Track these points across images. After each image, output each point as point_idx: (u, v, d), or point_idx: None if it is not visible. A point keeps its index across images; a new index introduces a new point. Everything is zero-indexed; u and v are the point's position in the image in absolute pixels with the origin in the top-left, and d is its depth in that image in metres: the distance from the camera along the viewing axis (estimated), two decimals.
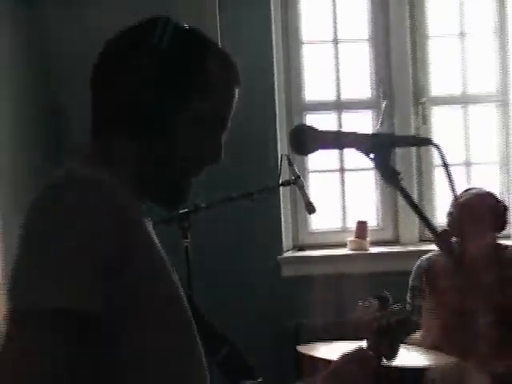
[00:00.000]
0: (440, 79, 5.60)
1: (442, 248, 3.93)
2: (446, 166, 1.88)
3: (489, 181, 5.28)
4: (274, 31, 5.34)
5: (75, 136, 3.94)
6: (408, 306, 4.35)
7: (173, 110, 1.82)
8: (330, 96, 5.61)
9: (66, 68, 4.51)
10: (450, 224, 4.34)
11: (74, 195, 1.65)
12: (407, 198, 1.85)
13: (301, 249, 5.50)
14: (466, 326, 4.16)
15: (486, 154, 5.62)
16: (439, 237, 1.94)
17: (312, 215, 4.33)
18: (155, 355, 1.73)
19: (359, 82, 5.61)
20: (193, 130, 1.85)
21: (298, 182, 4.11)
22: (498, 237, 4.40)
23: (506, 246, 4.54)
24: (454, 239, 4.23)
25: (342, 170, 5.60)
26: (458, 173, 5.48)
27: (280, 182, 4.28)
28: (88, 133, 1.92)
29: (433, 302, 4.29)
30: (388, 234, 5.55)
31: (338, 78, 5.59)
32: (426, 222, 1.88)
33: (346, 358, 2.09)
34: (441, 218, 4.53)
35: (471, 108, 5.63)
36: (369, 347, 2.11)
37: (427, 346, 4.08)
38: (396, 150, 2.03)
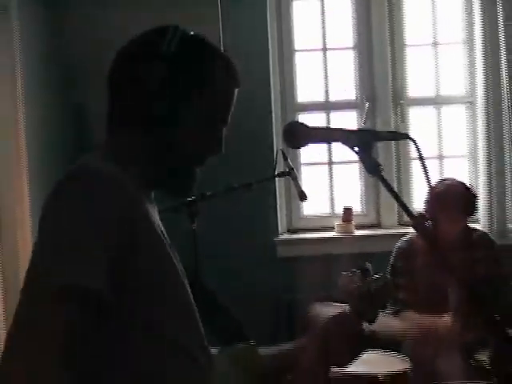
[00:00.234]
0: (416, 83, 5.59)
1: (419, 230, 3.94)
2: (421, 158, 1.89)
3: (459, 172, 5.27)
4: (270, 41, 5.33)
5: (99, 136, 3.92)
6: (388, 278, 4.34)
7: (180, 109, 1.83)
8: (320, 97, 5.60)
9: (91, 69, 4.48)
10: (426, 209, 4.34)
11: (86, 185, 1.65)
12: (387, 186, 1.85)
13: (294, 232, 5.51)
14: (440, 299, 4.15)
15: (456, 148, 5.62)
16: (416, 220, 1.93)
17: (304, 202, 4.33)
18: (158, 330, 1.73)
19: (345, 85, 5.58)
20: (197, 126, 1.87)
21: (291, 174, 4.11)
22: (468, 221, 4.40)
23: (475, 229, 4.55)
24: (429, 223, 4.23)
25: (330, 162, 5.60)
26: (431, 165, 5.49)
27: (276, 173, 4.29)
28: (104, 130, 1.92)
29: (412, 279, 4.28)
30: (371, 219, 5.55)
31: (326, 82, 5.59)
32: (404, 207, 1.87)
33: (332, 320, 2.10)
34: (417, 204, 4.51)
35: (443, 108, 5.63)
36: (351, 311, 2.11)
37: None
38: (377, 144, 2.02)
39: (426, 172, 1.90)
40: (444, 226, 4.22)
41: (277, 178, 4.64)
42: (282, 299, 4.97)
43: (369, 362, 3.70)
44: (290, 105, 5.54)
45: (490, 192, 5.15)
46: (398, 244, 4.41)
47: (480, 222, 5.19)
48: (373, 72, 5.51)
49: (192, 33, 1.90)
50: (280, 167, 4.26)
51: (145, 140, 1.84)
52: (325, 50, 5.59)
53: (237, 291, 4.65)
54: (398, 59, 5.53)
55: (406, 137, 1.98)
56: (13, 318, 1.55)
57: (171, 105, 1.81)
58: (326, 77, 5.59)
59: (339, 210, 5.47)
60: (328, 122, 5.52)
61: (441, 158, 5.60)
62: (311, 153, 5.54)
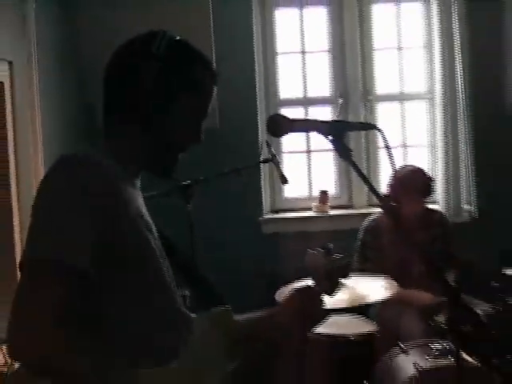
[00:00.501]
0: (383, 81, 5.57)
1: (385, 210, 3.94)
2: (387, 146, 1.89)
3: (420, 159, 5.28)
4: (255, 44, 5.32)
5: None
6: (354, 258, 4.35)
7: (169, 104, 1.86)
8: (299, 94, 5.58)
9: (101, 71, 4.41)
10: (390, 192, 4.35)
11: (72, 169, 1.68)
12: (357, 170, 1.84)
13: (277, 211, 5.50)
14: (404, 270, 4.16)
15: (417, 138, 5.61)
16: (383, 201, 1.92)
17: (285, 186, 4.33)
18: (137, 301, 1.75)
19: (321, 84, 5.57)
20: (183, 118, 1.90)
21: (274, 160, 4.09)
22: (426, 202, 4.40)
23: (433, 210, 4.56)
24: (393, 203, 4.23)
25: (308, 151, 5.58)
26: (396, 153, 5.47)
27: (261, 160, 4.28)
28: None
29: (378, 252, 4.28)
30: (344, 200, 5.54)
31: (304, 81, 5.57)
32: (372, 189, 1.86)
33: (297, 292, 2.10)
34: (383, 188, 4.51)
35: (406, 103, 5.62)
36: (315, 285, 2.12)
37: None
38: (349, 133, 2.02)
39: (391, 158, 1.90)
40: (406, 206, 4.23)
41: (262, 165, 4.64)
42: (266, 269, 4.96)
43: (341, 324, 3.72)
44: (273, 100, 5.53)
45: (447, 177, 5.17)
46: (366, 222, 4.42)
47: (439, 203, 5.20)
48: (345, 72, 5.50)
49: (178, 37, 1.92)
50: (264, 155, 4.25)
51: (136, 130, 1.86)
52: (303, 52, 5.57)
53: (227, 262, 4.67)
54: (367, 61, 5.52)
55: (374, 127, 1.98)
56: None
57: (161, 99, 1.84)
58: (304, 76, 5.57)
59: (316, 193, 5.46)
60: (306, 115, 5.50)
61: (404, 147, 5.60)
62: (292, 142, 5.53)
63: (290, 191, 5.52)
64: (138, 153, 1.89)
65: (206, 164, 4.27)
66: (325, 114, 5.52)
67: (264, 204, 5.35)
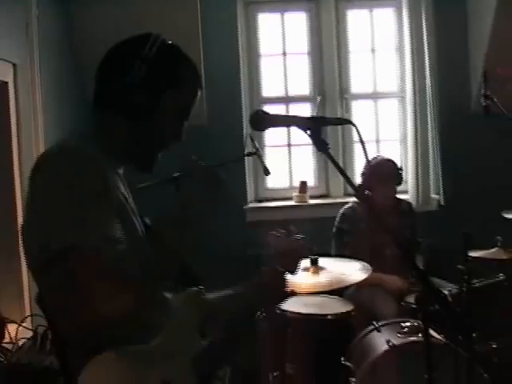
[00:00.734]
0: (358, 81, 5.56)
1: (359, 198, 3.93)
2: (361, 139, 1.88)
3: (392, 153, 5.27)
4: (240, 47, 5.30)
5: None
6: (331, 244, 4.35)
7: (154, 102, 1.85)
8: (281, 92, 5.56)
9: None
10: (363, 181, 4.36)
11: (71, 159, 1.67)
12: (334, 161, 1.83)
13: (260, 201, 5.49)
14: (377, 256, 4.16)
15: (389, 133, 5.62)
16: (357, 190, 1.91)
17: (267, 177, 4.31)
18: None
19: (301, 83, 5.55)
20: (168, 118, 1.89)
21: (257, 153, 4.08)
22: (396, 188, 4.41)
23: (402, 200, 4.58)
24: (366, 191, 4.24)
25: (289, 144, 5.56)
26: (370, 147, 5.48)
27: (245, 153, 4.27)
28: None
29: (354, 238, 4.28)
30: (321, 190, 5.53)
31: (285, 80, 5.55)
32: (347, 179, 1.84)
33: (264, 272, 2.16)
34: (358, 177, 4.51)
35: (379, 101, 5.62)
36: (280, 265, 2.12)
37: None
38: (326, 128, 2.01)
39: (364, 150, 1.89)
40: (378, 192, 4.25)
41: (246, 157, 4.63)
42: (249, 254, 4.95)
43: (318, 304, 3.71)
44: (257, 98, 5.50)
45: (416, 169, 5.17)
46: (342, 210, 4.42)
47: (409, 193, 5.20)
48: (323, 72, 5.48)
49: (170, 42, 1.92)
50: (249, 149, 4.24)
51: (123, 125, 1.86)
52: (284, 54, 5.55)
53: (213, 248, 4.65)
54: (343, 62, 5.51)
55: (349, 122, 1.97)
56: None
57: (149, 98, 1.84)
58: (285, 76, 5.55)
59: (296, 183, 5.45)
60: (287, 111, 5.50)
61: (377, 141, 5.60)
62: (273, 137, 5.51)
63: (272, 182, 5.50)
64: (122, 146, 1.88)
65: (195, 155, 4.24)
66: (304, 110, 5.51)
67: (248, 194, 5.33)
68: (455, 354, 2.81)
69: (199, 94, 1.96)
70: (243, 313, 2.05)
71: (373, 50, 5.57)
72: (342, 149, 5.46)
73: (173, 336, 1.84)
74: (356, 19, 5.54)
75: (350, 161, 5.49)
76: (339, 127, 5.32)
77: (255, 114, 1.91)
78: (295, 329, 3.47)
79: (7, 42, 3.67)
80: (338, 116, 5.36)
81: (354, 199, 4.45)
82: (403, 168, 4.48)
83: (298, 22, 5.53)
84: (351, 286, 3.83)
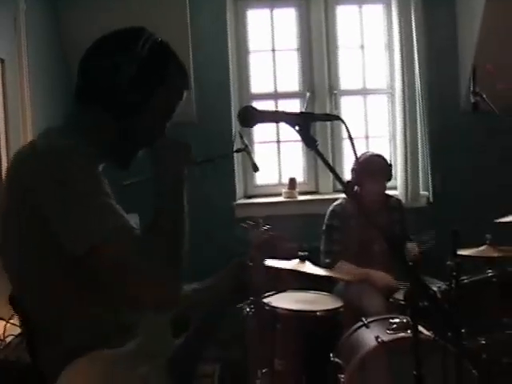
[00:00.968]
0: (347, 77, 5.57)
1: (349, 195, 3.94)
2: (349, 135, 1.89)
3: (381, 149, 5.28)
4: (229, 43, 5.29)
5: None
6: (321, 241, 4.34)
7: (140, 100, 1.82)
8: (270, 89, 5.56)
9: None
10: (352, 177, 4.36)
11: (67, 158, 1.67)
12: (322, 158, 1.83)
13: (249, 197, 5.49)
14: (366, 252, 4.17)
15: (379, 130, 5.63)
16: (346, 187, 1.91)
17: (256, 173, 4.32)
18: None
19: (290, 79, 5.56)
20: (154, 115, 1.87)
21: (246, 150, 4.08)
22: (386, 187, 4.41)
23: (391, 196, 4.58)
24: (356, 186, 4.25)
25: (278, 141, 5.57)
26: (359, 143, 5.49)
27: (234, 149, 4.26)
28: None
29: (344, 235, 4.28)
30: (311, 186, 5.54)
31: (275, 76, 5.55)
32: (335, 175, 1.84)
33: (233, 265, 2.14)
34: (347, 174, 4.52)
35: (369, 98, 5.63)
36: (247, 258, 2.12)
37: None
38: (315, 125, 2.01)
39: (353, 147, 1.89)
40: (368, 188, 4.24)
41: (235, 154, 4.63)
42: (238, 250, 4.95)
43: (308, 301, 3.71)
44: (246, 94, 5.50)
45: (405, 165, 5.18)
46: (332, 207, 4.41)
47: (398, 189, 5.22)
48: (312, 69, 5.49)
49: (160, 39, 1.90)
50: (238, 145, 4.23)
51: (107, 120, 1.83)
52: (273, 50, 5.55)
53: (202, 244, 4.65)
54: (332, 58, 5.51)
55: (337, 118, 1.97)
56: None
57: (136, 95, 1.81)
58: (274, 72, 5.55)
59: (285, 180, 5.45)
60: (276, 108, 5.47)
61: (367, 137, 5.61)
62: (262, 133, 5.51)
63: (261, 178, 5.50)
64: (106, 143, 1.86)
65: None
66: (294, 106, 5.51)
67: (237, 190, 5.33)
68: (444, 350, 2.82)
69: (185, 92, 1.95)
70: (214, 305, 2.03)
71: (362, 47, 5.58)
72: (331, 145, 5.46)
73: (149, 336, 1.83)
74: (345, 15, 5.55)
75: (339, 157, 5.49)
76: (328, 123, 5.32)
77: (244, 110, 1.89)
78: (284, 325, 3.47)
79: None
80: (327, 112, 5.36)
81: (343, 196, 4.45)
82: (392, 164, 4.48)
83: (287, 18, 5.53)
84: (340, 282, 3.84)
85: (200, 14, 5.03)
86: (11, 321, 3.26)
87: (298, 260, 3.63)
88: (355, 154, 1.96)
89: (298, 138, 1.85)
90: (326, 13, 5.46)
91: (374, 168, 4.29)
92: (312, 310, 3.56)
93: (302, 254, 3.63)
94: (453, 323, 2.67)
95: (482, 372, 3.11)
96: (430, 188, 5.21)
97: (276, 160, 5.58)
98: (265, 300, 3.59)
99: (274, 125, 4.95)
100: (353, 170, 4.38)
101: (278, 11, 5.53)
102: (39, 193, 1.63)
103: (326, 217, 4.38)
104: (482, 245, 3.84)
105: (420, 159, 5.23)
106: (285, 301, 3.60)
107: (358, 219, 4.18)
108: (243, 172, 5.46)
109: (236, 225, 5.10)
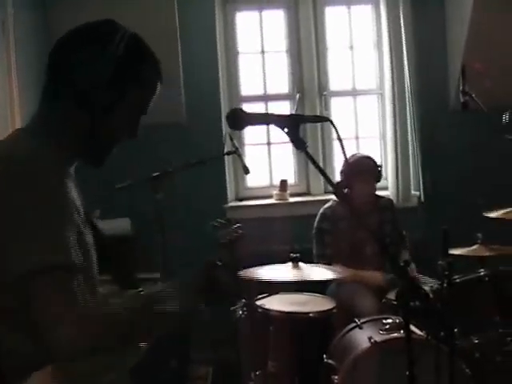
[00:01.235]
0: (336, 78, 5.58)
1: (339, 196, 3.94)
2: (338, 136, 1.89)
3: (372, 150, 5.30)
4: (218, 45, 5.29)
5: None
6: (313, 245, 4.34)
7: (114, 96, 1.77)
8: (259, 91, 5.57)
9: None
10: (342, 178, 4.37)
11: (27, 174, 1.61)
12: (311, 159, 1.83)
13: (240, 199, 5.49)
14: (358, 254, 4.17)
15: (369, 130, 5.65)
16: (335, 188, 1.91)
17: (247, 175, 4.32)
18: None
19: (280, 81, 5.56)
20: (125, 112, 1.82)
21: (237, 152, 4.09)
22: (375, 185, 4.41)
23: (382, 197, 4.58)
24: (346, 188, 4.25)
25: (268, 143, 5.57)
26: (350, 144, 5.52)
27: (224, 152, 4.27)
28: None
29: (335, 237, 4.28)
30: (302, 188, 5.54)
31: (264, 78, 5.56)
32: (325, 177, 1.85)
33: (204, 265, 2.06)
34: (338, 175, 4.53)
35: (358, 98, 5.65)
36: (217, 258, 2.09)
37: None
38: (305, 125, 2.01)
39: (342, 148, 1.89)
40: (358, 189, 4.24)
41: (225, 156, 4.63)
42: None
43: (301, 302, 3.71)
44: (236, 96, 5.50)
45: (396, 166, 5.20)
46: (322, 209, 4.40)
47: (389, 189, 5.23)
48: (302, 70, 5.49)
49: (134, 34, 1.84)
50: (228, 147, 4.24)
51: (79, 118, 1.77)
52: (263, 52, 5.55)
53: (194, 246, 4.64)
54: (321, 59, 5.51)
55: (326, 119, 1.97)
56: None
57: (114, 95, 1.76)
58: (264, 74, 5.56)
59: (276, 182, 5.45)
60: (266, 110, 5.47)
61: (357, 138, 5.62)
62: (253, 135, 5.52)
63: (252, 180, 5.50)
64: (78, 142, 1.80)
65: (174, 156, 4.25)
66: (283, 108, 5.52)
67: (228, 193, 5.33)
68: (437, 350, 2.83)
69: (159, 88, 1.90)
70: (183, 307, 1.97)
71: (351, 47, 5.59)
72: (322, 146, 5.47)
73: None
74: (334, 16, 5.56)
75: (329, 158, 5.50)
76: (318, 125, 5.32)
77: (232, 112, 1.88)
78: (277, 327, 3.46)
79: None
80: (318, 113, 5.37)
81: (333, 198, 4.45)
82: (383, 165, 4.49)
83: (275, 20, 5.54)
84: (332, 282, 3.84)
85: (188, 17, 5.02)
86: None
87: (290, 263, 3.62)
88: (345, 155, 1.96)
89: (287, 138, 1.85)
90: (314, 14, 5.47)
91: (362, 169, 4.29)
92: (304, 311, 3.55)
93: (294, 255, 3.62)
94: (445, 323, 2.68)
95: (475, 371, 3.12)
96: (421, 188, 5.22)
97: (267, 162, 5.59)
98: (257, 302, 3.59)
99: (264, 127, 4.95)
100: (342, 172, 4.38)
101: (266, 13, 5.54)
102: None
103: (317, 220, 4.37)
104: (473, 244, 3.85)
105: (411, 159, 5.25)
106: (277, 303, 3.60)
107: (348, 221, 4.18)
108: (234, 174, 5.46)
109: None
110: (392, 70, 5.18)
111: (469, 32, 4.94)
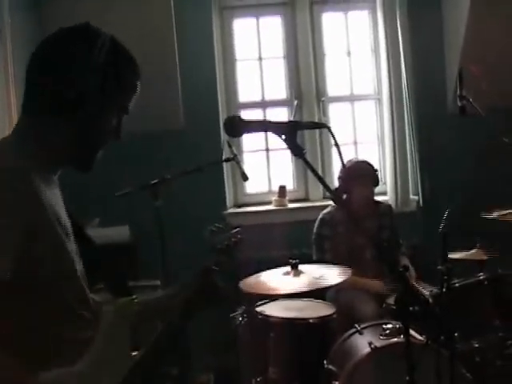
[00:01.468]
0: (334, 84, 5.59)
1: (337, 202, 3.94)
2: (336, 142, 1.90)
3: (370, 155, 5.30)
4: (216, 52, 5.30)
5: None
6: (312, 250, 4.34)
7: (95, 100, 1.75)
8: (257, 97, 5.58)
9: None
10: (340, 184, 4.37)
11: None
12: (309, 166, 1.83)
13: (239, 206, 5.48)
14: (357, 259, 4.17)
15: (367, 135, 5.65)
16: (333, 194, 1.91)
17: (246, 182, 4.32)
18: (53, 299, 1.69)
19: (278, 87, 5.57)
20: (110, 116, 1.82)
21: (235, 159, 4.10)
22: (374, 192, 4.42)
23: (381, 202, 4.59)
24: (344, 193, 4.26)
25: (267, 149, 5.58)
26: (348, 149, 5.53)
27: (223, 159, 4.27)
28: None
29: (334, 243, 4.28)
30: (300, 194, 5.54)
31: (262, 85, 5.56)
32: (323, 183, 1.85)
33: (199, 271, 2.09)
34: (336, 181, 4.54)
35: (356, 104, 5.65)
36: (215, 263, 2.09)
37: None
38: (303, 132, 2.01)
39: (340, 154, 1.89)
40: (355, 196, 4.24)
41: (224, 163, 4.64)
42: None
43: (300, 308, 3.71)
44: (233, 103, 5.50)
45: (395, 170, 5.20)
46: (321, 215, 4.41)
47: (388, 194, 5.23)
48: (299, 76, 5.49)
49: (111, 37, 1.83)
50: (226, 154, 4.24)
51: (62, 123, 1.75)
52: (260, 59, 5.56)
53: (193, 252, 4.63)
54: (319, 65, 5.52)
55: (324, 126, 1.97)
56: None
57: (91, 95, 1.74)
58: (261, 80, 5.56)
59: (275, 188, 5.45)
60: (264, 117, 5.47)
61: (355, 143, 5.63)
62: (251, 142, 5.52)
63: (251, 187, 5.50)
64: (61, 146, 1.78)
65: (172, 163, 4.25)
66: (281, 115, 5.52)
67: (227, 199, 5.34)
68: (437, 354, 2.83)
69: (139, 87, 1.88)
70: (176, 313, 1.97)
71: (348, 53, 5.60)
72: (321, 152, 5.47)
73: (102, 355, 1.78)
74: (331, 22, 5.57)
75: (328, 164, 5.50)
76: (317, 130, 5.32)
77: (229, 120, 1.88)
78: (277, 333, 3.47)
79: None
80: (316, 119, 5.38)
81: (332, 203, 4.46)
82: (382, 170, 4.50)
83: (273, 27, 5.55)
84: (331, 287, 3.85)
85: (186, 24, 5.03)
86: None
87: (290, 267, 3.63)
88: (342, 161, 1.97)
89: (285, 145, 1.85)
90: (311, 20, 5.48)
91: (360, 173, 4.30)
92: (304, 317, 3.55)
93: (294, 261, 3.62)
94: (445, 327, 2.67)
95: (476, 375, 3.12)
96: (420, 192, 5.22)
97: (265, 168, 5.59)
98: (257, 308, 3.59)
99: (262, 133, 4.95)
100: (339, 178, 4.39)
101: (263, 19, 5.55)
102: None
103: (316, 226, 4.38)
104: (472, 248, 3.85)
105: (409, 164, 5.25)
106: (277, 309, 3.61)
107: (347, 226, 4.19)
108: (233, 181, 5.46)
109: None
110: (389, 74, 5.19)
111: (466, 36, 4.95)
